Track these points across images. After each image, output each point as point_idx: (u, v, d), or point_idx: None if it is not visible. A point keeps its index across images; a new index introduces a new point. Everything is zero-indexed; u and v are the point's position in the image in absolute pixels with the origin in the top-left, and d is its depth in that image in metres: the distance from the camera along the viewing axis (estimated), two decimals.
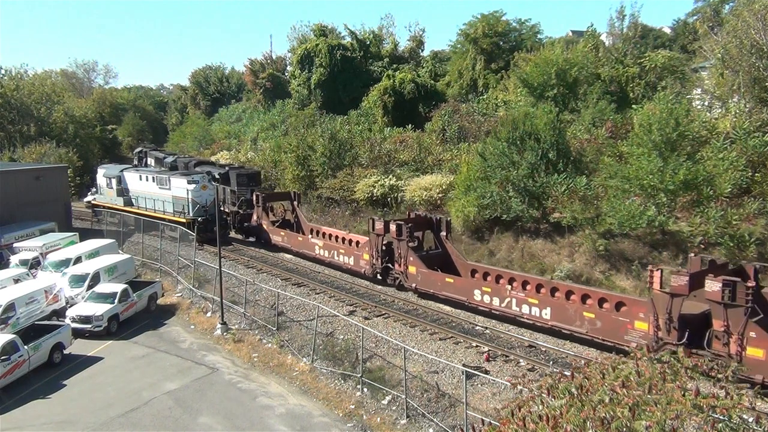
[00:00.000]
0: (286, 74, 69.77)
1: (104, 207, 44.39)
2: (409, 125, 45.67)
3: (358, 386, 18.85)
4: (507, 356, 19.72)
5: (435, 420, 16.47)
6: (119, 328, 25.08)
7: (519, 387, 7.70)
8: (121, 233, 38.96)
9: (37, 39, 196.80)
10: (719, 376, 6.84)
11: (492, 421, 13.42)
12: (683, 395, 6.31)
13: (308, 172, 40.67)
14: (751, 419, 6.58)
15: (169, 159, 44.70)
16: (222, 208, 36.07)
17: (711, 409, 6.17)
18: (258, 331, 24.18)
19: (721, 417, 6.15)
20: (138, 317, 26.32)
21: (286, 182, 42.62)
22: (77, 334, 23.47)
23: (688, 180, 22.15)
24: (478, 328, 22.51)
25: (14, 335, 20.52)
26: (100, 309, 24.49)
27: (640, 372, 6.95)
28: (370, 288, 27.83)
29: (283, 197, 37.62)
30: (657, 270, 17.69)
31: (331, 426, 17.14)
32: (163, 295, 28.78)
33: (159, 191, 39.38)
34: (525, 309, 21.48)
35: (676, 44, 50.79)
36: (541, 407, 6.94)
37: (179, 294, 29.80)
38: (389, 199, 34.79)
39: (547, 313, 20.89)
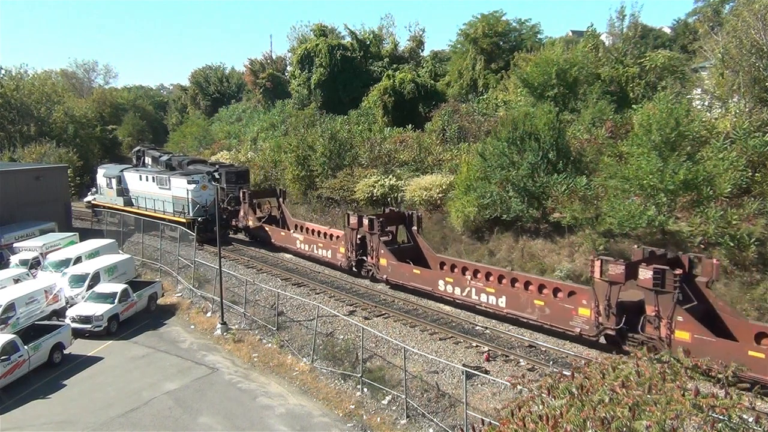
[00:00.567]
0: (286, 74, 69.78)
1: (104, 207, 44.41)
2: (409, 125, 45.68)
3: (358, 386, 18.85)
4: (507, 356, 19.72)
5: (435, 420, 16.48)
6: (119, 328, 25.09)
7: (519, 387, 7.69)
8: (121, 233, 38.98)
9: (37, 39, 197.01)
10: (719, 376, 6.85)
11: (492, 421, 13.43)
12: (683, 395, 6.32)
13: (308, 172, 40.68)
14: (750, 419, 6.58)
15: (164, 158, 45.12)
16: None
17: (711, 409, 6.17)
18: (258, 331, 24.19)
19: (721, 417, 6.15)
20: (138, 317, 26.32)
21: (286, 182, 42.62)
22: (77, 334, 23.48)
23: (688, 180, 22.15)
24: (478, 328, 22.52)
25: (14, 335, 20.52)
26: (100, 309, 24.49)
27: (640, 372, 6.95)
28: (370, 288, 27.84)
29: (270, 194, 38.44)
30: (597, 260, 18.85)
31: (331, 426, 17.15)
32: (163, 295, 28.79)
33: (159, 191, 39.39)
34: (483, 298, 22.83)
35: (676, 44, 50.81)
36: (541, 407, 6.94)
37: (179, 294, 29.81)
38: (389, 199, 34.79)
39: (502, 302, 22.22)
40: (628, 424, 6.06)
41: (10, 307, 23.12)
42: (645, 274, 17.52)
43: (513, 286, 22.25)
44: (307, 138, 42.51)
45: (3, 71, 67.18)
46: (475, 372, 17.77)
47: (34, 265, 30.39)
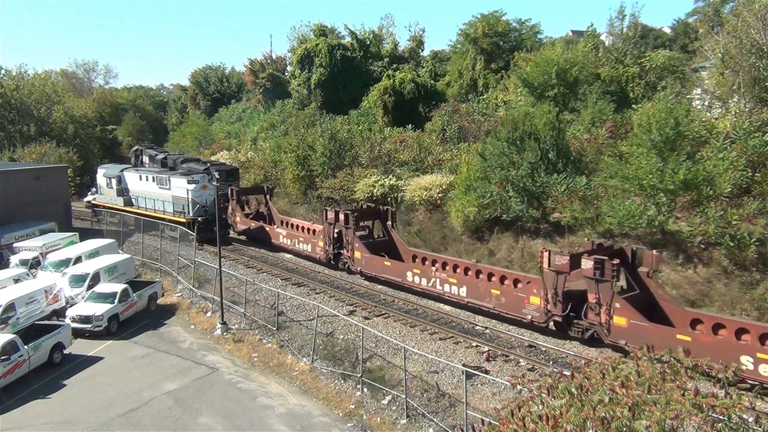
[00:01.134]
0: (286, 74, 69.75)
1: (104, 207, 44.41)
2: (409, 125, 45.68)
3: (358, 386, 18.85)
4: (507, 356, 19.73)
5: (435, 420, 16.48)
6: (119, 328, 25.09)
7: (519, 387, 7.70)
8: (121, 233, 38.98)
9: (37, 39, 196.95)
10: (719, 376, 6.85)
11: (492, 421, 13.44)
12: (683, 395, 6.32)
13: (308, 172, 40.69)
14: (750, 419, 6.58)
15: (160, 156, 45.52)
16: None
17: (710, 409, 6.17)
18: (258, 331, 24.19)
19: (721, 417, 6.15)
20: (138, 317, 26.32)
21: (286, 182, 42.64)
22: (77, 334, 23.49)
23: (688, 180, 22.16)
24: (478, 328, 22.53)
25: (14, 335, 20.52)
26: (100, 309, 24.49)
27: (640, 372, 6.95)
28: (370, 288, 27.86)
29: (257, 191, 39.73)
30: (545, 251, 20.34)
31: (331, 426, 17.15)
32: (163, 295, 28.79)
33: (159, 191, 39.40)
34: (446, 288, 24.25)
35: (676, 44, 50.79)
36: (541, 407, 6.94)
37: (179, 294, 29.81)
38: (389, 199, 34.79)
39: (463, 291, 23.68)
40: (628, 424, 6.06)
41: (10, 307, 23.12)
42: (587, 264, 18.91)
43: (477, 277, 23.31)
44: (307, 138, 42.51)
45: (3, 71, 67.24)
46: (475, 372, 17.77)
47: (34, 265, 30.39)
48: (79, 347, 23.01)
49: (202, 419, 17.69)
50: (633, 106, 32.34)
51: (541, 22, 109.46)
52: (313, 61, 57.74)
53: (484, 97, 45.67)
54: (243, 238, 38.92)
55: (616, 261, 18.82)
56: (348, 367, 19.94)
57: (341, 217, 28.74)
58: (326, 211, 30.32)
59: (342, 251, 29.64)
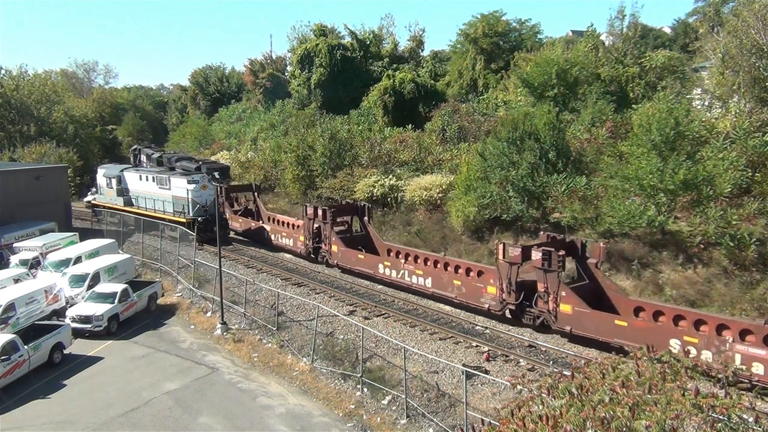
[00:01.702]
0: (286, 74, 69.74)
1: (104, 207, 44.41)
2: (409, 125, 45.67)
3: (358, 386, 18.85)
4: (507, 356, 19.73)
5: (435, 420, 16.48)
6: (119, 328, 25.08)
7: (519, 387, 7.70)
8: (121, 233, 38.97)
9: (37, 39, 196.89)
10: (719, 376, 6.85)
11: (492, 421, 13.44)
12: (683, 395, 6.32)
13: (308, 172, 40.69)
14: (750, 419, 6.58)
15: (156, 155, 45.89)
16: None
17: (710, 409, 6.18)
18: (258, 331, 24.19)
19: (721, 417, 6.16)
20: (138, 317, 26.32)
21: (286, 182, 42.65)
22: (77, 334, 23.47)
23: (688, 180, 22.16)
24: (478, 328, 22.53)
25: (14, 335, 20.52)
26: (100, 309, 24.49)
27: (640, 372, 6.95)
28: (370, 288, 27.88)
29: (246, 189, 41.41)
30: (500, 243, 21.79)
31: (331, 426, 17.15)
32: (163, 295, 28.78)
33: (159, 191, 39.40)
34: (413, 279, 25.82)
35: (676, 44, 50.78)
36: (541, 407, 6.95)
37: (179, 294, 29.80)
38: (389, 199, 34.79)
39: (428, 282, 25.20)
40: (628, 424, 6.07)
41: (10, 307, 23.12)
42: (536, 255, 20.48)
43: (442, 268, 24.74)
44: (307, 138, 42.51)
45: (3, 71, 67.21)
46: (475, 372, 17.77)
47: (34, 265, 30.38)
48: (79, 347, 23.00)
49: (202, 419, 17.69)
50: (633, 106, 32.32)
51: (541, 22, 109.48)
52: (313, 61, 57.73)
53: (484, 97, 45.66)
54: (241, 237, 39.15)
55: (561, 252, 20.36)
56: (348, 367, 19.94)
57: (319, 212, 30.41)
58: (305, 206, 31.96)
59: (321, 245, 31.22)
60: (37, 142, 56.47)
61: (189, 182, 36.97)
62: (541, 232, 23.76)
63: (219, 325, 24.67)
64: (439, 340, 21.41)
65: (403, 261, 26.39)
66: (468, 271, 23.77)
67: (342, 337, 22.25)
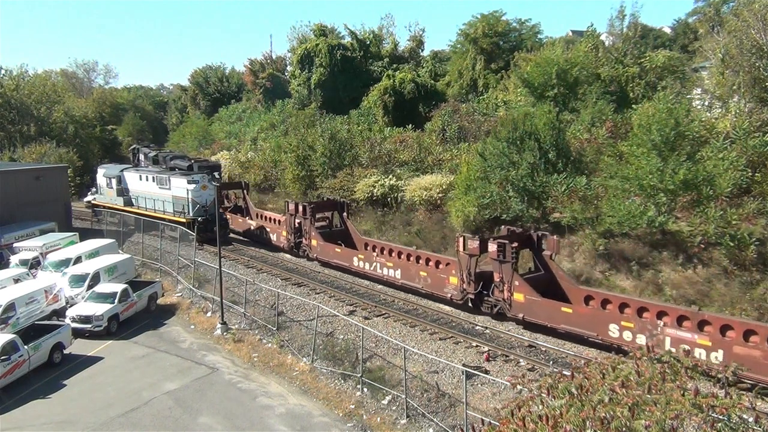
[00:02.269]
0: (286, 74, 69.71)
1: (104, 207, 44.43)
2: (409, 125, 45.64)
3: (358, 386, 18.85)
4: (507, 356, 19.72)
5: (435, 420, 16.48)
6: (119, 328, 25.09)
7: (519, 387, 7.70)
8: (121, 233, 38.98)
9: (37, 39, 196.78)
10: (719, 375, 6.85)
11: (492, 421, 13.44)
12: (683, 395, 6.32)
13: (308, 172, 40.69)
14: (750, 419, 6.58)
15: (152, 154, 46.42)
16: None
17: (710, 409, 6.18)
18: (258, 331, 24.19)
19: (721, 417, 6.16)
20: (138, 317, 26.32)
21: (286, 182, 42.66)
22: (77, 334, 23.48)
23: (688, 180, 22.15)
24: (478, 328, 22.53)
25: (14, 335, 20.52)
26: (100, 309, 24.49)
27: (640, 372, 6.96)
28: (370, 288, 27.89)
29: (236, 186, 42.74)
30: (461, 236, 23.31)
31: (331, 426, 17.15)
32: (163, 295, 28.79)
33: (159, 191, 39.41)
34: (385, 271, 27.38)
35: (676, 44, 50.75)
36: (541, 407, 6.95)
37: (179, 294, 29.80)
38: (389, 199, 34.78)
39: (398, 274, 26.70)
40: (628, 423, 6.07)
41: (10, 307, 23.12)
42: (492, 247, 21.89)
43: (409, 260, 26.12)
44: (307, 138, 42.50)
45: (3, 71, 67.19)
46: (475, 372, 17.77)
47: (34, 265, 30.38)
48: (79, 347, 23.01)
49: (202, 419, 17.69)
50: (633, 106, 32.30)
51: (541, 22, 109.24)
52: (313, 61, 57.70)
53: (484, 97, 45.63)
54: (241, 237, 39.40)
55: (515, 244, 21.67)
56: (348, 367, 19.94)
57: (300, 208, 32.06)
58: (287, 203, 33.54)
59: (302, 240, 32.82)
60: (37, 142, 56.45)
61: (189, 182, 36.98)
62: (503, 227, 24.78)
63: (219, 325, 24.67)
64: (439, 340, 21.40)
65: (375, 254, 27.87)
66: (433, 262, 25.12)
67: (342, 337, 22.25)
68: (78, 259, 29.50)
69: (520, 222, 27.61)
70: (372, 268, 27.96)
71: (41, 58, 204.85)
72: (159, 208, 39.13)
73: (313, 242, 31.81)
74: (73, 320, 24.05)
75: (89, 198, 50.11)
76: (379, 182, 35.21)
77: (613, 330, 18.72)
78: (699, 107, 30.04)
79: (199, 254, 32.47)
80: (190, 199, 36.74)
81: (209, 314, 26.56)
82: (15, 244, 33.42)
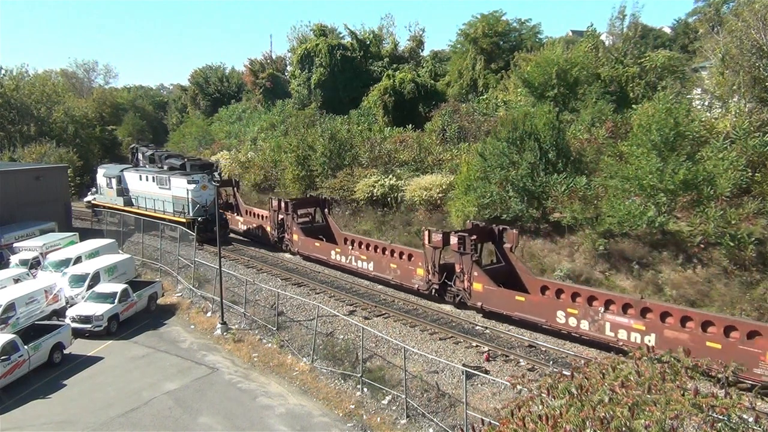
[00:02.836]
0: (286, 74, 69.67)
1: (104, 207, 44.44)
2: (409, 125, 45.64)
3: (358, 386, 18.85)
4: (507, 356, 19.73)
5: (435, 420, 16.48)
6: (119, 328, 25.09)
7: (519, 387, 7.70)
8: (121, 233, 38.98)
9: (37, 39, 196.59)
10: (719, 375, 6.85)
11: (492, 421, 13.44)
12: (683, 395, 6.32)
13: (308, 172, 40.69)
14: (750, 419, 6.58)
15: (149, 153, 46.97)
16: None
17: (710, 409, 6.17)
18: (258, 331, 24.19)
19: (721, 417, 6.15)
20: (138, 317, 26.32)
21: (286, 182, 42.66)
22: (77, 334, 23.48)
23: (688, 180, 22.15)
24: (478, 328, 22.54)
25: (14, 335, 20.52)
26: (100, 309, 24.49)
27: (640, 372, 6.95)
28: (370, 288, 27.89)
29: (227, 184, 43.50)
30: (426, 230, 24.72)
31: (331, 426, 17.15)
32: (163, 295, 28.78)
33: (159, 191, 39.42)
34: (359, 264, 28.86)
35: (676, 44, 50.73)
36: (540, 407, 6.95)
37: (179, 294, 29.80)
38: (389, 199, 34.79)
39: (371, 266, 28.18)
40: (628, 423, 6.06)
41: (10, 307, 23.12)
42: (453, 240, 23.26)
43: (387, 254, 27.47)
44: (307, 138, 42.51)
45: (3, 71, 67.18)
46: (475, 372, 17.77)
47: (34, 265, 30.38)
48: (79, 347, 23.01)
49: (202, 419, 17.69)
50: (633, 106, 32.30)
51: (541, 22, 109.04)
52: (313, 61, 57.67)
53: (484, 97, 45.61)
54: (241, 237, 39.52)
55: (474, 237, 23.09)
56: (348, 367, 19.94)
57: (282, 205, 33.61)
58: (271, 199, 35.19)
59: (285, 235, 34.34)
60: (37, 142, 56.45)
61: (189, 182, 36.99)
62: (468, 221, 26.10)
63: (219, 325, 24.67)
64: (439, 340, 21.40)
65: (350, 248, 29.37)
66: (402, 255, 26.69)
67: (342, 337, 22.25)
68: (78, 259, 29.50)
69: (520, 222, 27.63)
70: (347, 261, 29.47)
71: (41, 58, 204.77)
72: (159, 208, 39.13)
73: (295, 237, 33.25)
74: (73, 320, 24.04)
75: (89, 198, 50.12)
76: (379, 182, 35.21)
77: (560, 316, 20.24)
78: (699, 107, 30.03)
79: (199, 254, 32.48)
80: (190, 199, 36.74)
81: (209, 314, 26.56)
82: (15, 244, 33.42)
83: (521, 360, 19.38)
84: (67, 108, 66.22)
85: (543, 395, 7.20)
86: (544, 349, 20.19)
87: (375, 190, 35.00)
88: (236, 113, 70.72)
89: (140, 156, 48.21)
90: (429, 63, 59.03)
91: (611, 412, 6.22)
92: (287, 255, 34.72)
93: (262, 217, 37.70)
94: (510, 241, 23.80)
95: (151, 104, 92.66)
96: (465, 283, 23.36)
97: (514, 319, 21.81)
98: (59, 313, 25.31)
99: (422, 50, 63.46)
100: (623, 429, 6.05)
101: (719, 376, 6.83)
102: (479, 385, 17.72)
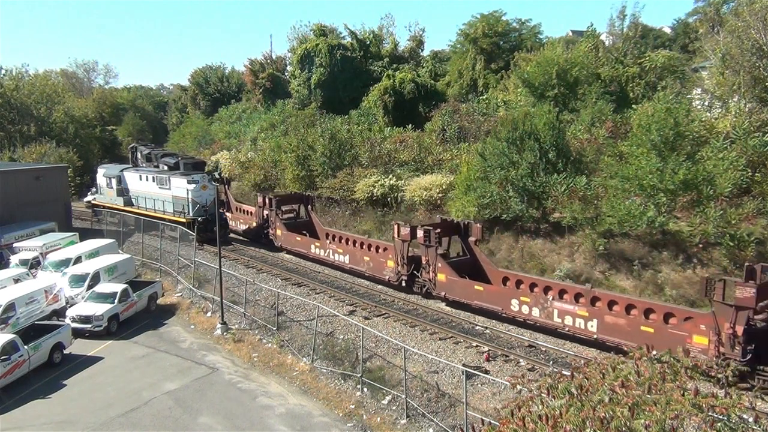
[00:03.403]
0: (286, 74, 69.64)
1: (104, 207, 44.44)
2: (409, 125, 45.61)
3: (358, 386, 18.85)
4: (507, 356, 19.73)
5: (435, 420, 16.48)
6: (119, 328, 25.10)
7: (519, 387, 7.70)
8: (121, 233, 38.99)
9: (37, 39, 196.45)
10: (719, 375, 6.85)
11: (492, 421, 13.44)
12: (682, 395, 6.32)
13: (308, 172, 40.67)
14: (750, 419, 6.58)
15: (146, 151, 47.77)
16: None
17: (710, 409, 6.18)
18: (258, 331, 24.19)
19: (721, 417, 6.16)
20: (138, 317, 26.33)
21: (286, 182, 42.65)
22: (77, 334, 23.49)
23: (688, 180, 22.14)
24: (478, 328, 22.54)
25: (14, 335, 20.52)
26: (100, 309, 24.49)
27: (640, 372, 6.95)
28: (370, 288, 27.90)
29: (218, 182, 44.83)
30: (396, 224, 26.15)
31: (331, 426, 17.15)
32: (163, 295, 28.79)
33: (159, 191, 39.42)
34: (336, 257, 30.35)
35: (676, 44, 50.71)
36: (540, 407, 6.95)
37: (179, 294, 29.80)
38: (389, 199, 34.78)
39: (346, 259, 29.72)
40: (627, 423, 6.07)
41: (10, 307, 23.12)
42: (420, 233, 24.66)
43: (361, 248, 29.06)
44: (307, 138, 42.49)
45: (3, 71, 67.17)
46: (475, 372, 17.77)
47: (34, 265, 30.38)
48: (79, 347, 23.01)
49: (202, 419, 17.69)
50: (633, 106, 32.29)
51: (541, 22, 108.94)
52: (313, 61, 57.64)
53: (484, 97, 45.58)
54: (241, 237, 39.62)
55: (438, 230, 24.50)
56: (348, 367, 19.94)
57: (267, 201, 35.41)
58: (257, 196, 37.12)
59: (269, 230, 35.87)
60: (37, 142, 56.44)
61: (189, 182, 37.00)
62: (438, 216, 27.70)
63: (219, 325, 24.67)
64: (439, 340, 21.40)
65: (329, 242, 30.97)
66: (375, 248, 28.16)
67: (342, 337, 22.25)
68: (78, 259, 29.50)
69: (520, 222, 27.64)
70: (326, 254, 31.00)
71: (41, 58, 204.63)
72: (159, 208, 39.13)
73: (278, 232, 34.93)
74: (73, 320, 24.05)
75: (89, 198, 50.13)
76: (379, 182, 35.20)
77: (514, 304, 21.75)
78: (699, 107, 30.01)
79: (199, 254, 32.48)
80: (190, 199, 36.74)
81: (209, 314, 26.56)
82: (15, 244, 33.42)
83: (521, 360, 19.38)
84: (67, 108, 66.24)
85: (543, 395, 7.20)
86: (544, 349, 20.19)
87: (375, 190, 35.00)
88: (236, 113, 70.68)
89: (139, 155, 48.45)
90: (429, 63, 58.99)
91: (611, 412, 6.22)
92: (287, 255, 34.73)
93: (250, 213, 39.13)
94: (475, 235, 25.11)
95: (151, 104, 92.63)
96: (430, 274, 24.77)
97: (473, 307, 23.33)
98: (59, 313, 25.31)
99: (422, 50, 63.43)
100: (623, 429, 6.05)
101: (719, 376, 6.83)
102: (479, 385, 17.72)
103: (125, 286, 26.24)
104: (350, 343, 21.22)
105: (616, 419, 6.11)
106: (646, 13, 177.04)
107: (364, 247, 28.91)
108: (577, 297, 20.07)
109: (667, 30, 60.33)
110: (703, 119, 26.21)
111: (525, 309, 21.42)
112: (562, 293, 20.59)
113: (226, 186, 43.70)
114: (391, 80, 50.40)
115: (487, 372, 18.22)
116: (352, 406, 18.02)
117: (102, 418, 17.87)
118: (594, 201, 25.15)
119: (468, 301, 23.44)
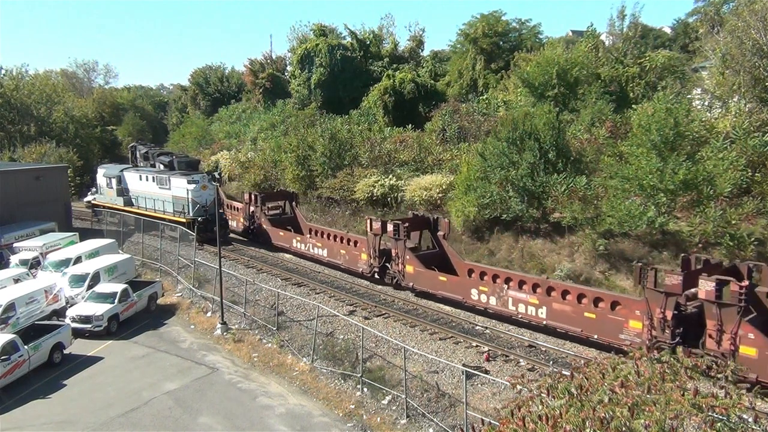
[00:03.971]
0: (286, 74, 69.64)
1: (104, 207, 44.44)
2: (409, 125, 45.62)
3: (358, 386, 18.86)
4: (507, 356, 19.73)
5: (435, 420, 16.48)
6: (119, 328, 25.10)
7: (519, 387, 7.71)
8: (121, 233, 38.98)
9: (37, 39, 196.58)
10: (719, 375, 6.86)
11: (492, 421, 13.45)
12: (682, 395, 6.32)
13: (308, 172, 40.67)
14: (750, 419, 6.58)
15: (143, 150, 48.25)
16: None
17: (710, 409, 6.18)
18: (258, 331, 24.19)
19: (720, 417, 6.16)
20: (138, 317, 26.33)
21: (286, 182, 42.65)
22: (77, 334, 23.48)
23: (688, 180, 22.13)
24: (478, 328, 22.54)
25: (14, 335, 20.53)
26: (100, 309, 24.49)
27: (640, 372, 6.96)
28: (370, 288, 27.90)
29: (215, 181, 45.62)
30: (368, 219, 27.76)
31: (331, 426, 17.15)
32: (163, 295, 28.79)
33: (159, 191, 39.43)
34: (315, 250, 32.20)
35: (676, 44, 50.71)
36: (540, 407, 6.95)
37: (179, 294, 29.80)
38: (389, 199, 34.78)
39: (324, 252, 31.45)
40: (627, 423, 6.07)
41: (10, 307, 23.12)
42: (389, 227, 25.94)
43: (337, 241, 30.51)
44: (307, 138, 42.47)
45: (3, 71, 67.16)
46: (475, 372, 17.77)
47: (34, 265, 30.38)
48: (79, 347, 23.01)
49: (202, 419, 17.69)
50: (633, 106, 32.27)
51: (541, 22, 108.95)
52: (313, 61, 57.64)
53: (484, 97, 45.58)
54: (240, 237, 39.59)
55: (406, 224, 25.66)
56: (348, 367, 19.94)
57: (253, 198, 37.29)
58: (244, 193, 39.01)
59: (254, 225, 37.90)
60: (37, 142, 56.43)
61: (189, 182, 37.01)
62: (410, 211, 29.02)
63: (219, 325, 24.67)
64: (439, 340, 21.40)
65: (309, 236, 32.66)
66: (350, 242, 29.64)
67: (342, 337, 22.26)
68: (78, 259, 29.50)
69: (520, 222, 27.64)
70: (306, 248, 32.86)
71: (41, 58, 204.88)
72: (159, 208, 39.13)
73: (263, 227, 36.95)
74: (73, 320, 24.05)
75: (89, 198, 50.11)
76: (379, 182, 35.20)
77: (474, 293, 23.15)
78: (699, 107, 30.00)
79: (199, 254, 32.48)
80: (190, 199, 36.74)
81: (209, 314, 26.56)
82: (15, 244, 33.42)
83: (521, 360, 19.38)
84: (67, 108, 66.19)
85: (543, 395, 7.20)
86: (544, 349, 20.20)
87: (375, 190, 35.00)
88: (236, 113, 70.68)
89: (138, 154, 48.65)
90: (429, 63, 59.00)
91: (611, 412, 6.23)
92: (287, 255, 34.72)
93: (238, 209, 40.33)
94: (443, 229, 26.49)
95: (151, 104, 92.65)
96: (399, 266, 26.29)
97: (438, 297, 24.75)
98: (59, 313, 25.31)
99: (422, 50, 63.44)
100: (623, 429, 6.06)
101: (719, 376, 6.84)
102: (479, 385, 17.73)
103: (125, 286, 26.24)
104: (350, 343, 21.22)
105: (615, 419, 6.12)
106: (646, 13, 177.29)
107: (340, 240, 30.37)
108: (535, 287, 21.22)
109: (667, 30, 60.37)
110: (703, 119, 26.21)
111: (483, 298, 22.86)
112: (521, 284, 21.71)
113: (217, 184, 44.67)
114: (391, 80, 50.40)
115: (487, 372, 18.22)
116: (352, 406, 18.02)
117: (102, 418, 17.87)
118: (594, 201, 25.14)
119: (433, 291, 24.81)
